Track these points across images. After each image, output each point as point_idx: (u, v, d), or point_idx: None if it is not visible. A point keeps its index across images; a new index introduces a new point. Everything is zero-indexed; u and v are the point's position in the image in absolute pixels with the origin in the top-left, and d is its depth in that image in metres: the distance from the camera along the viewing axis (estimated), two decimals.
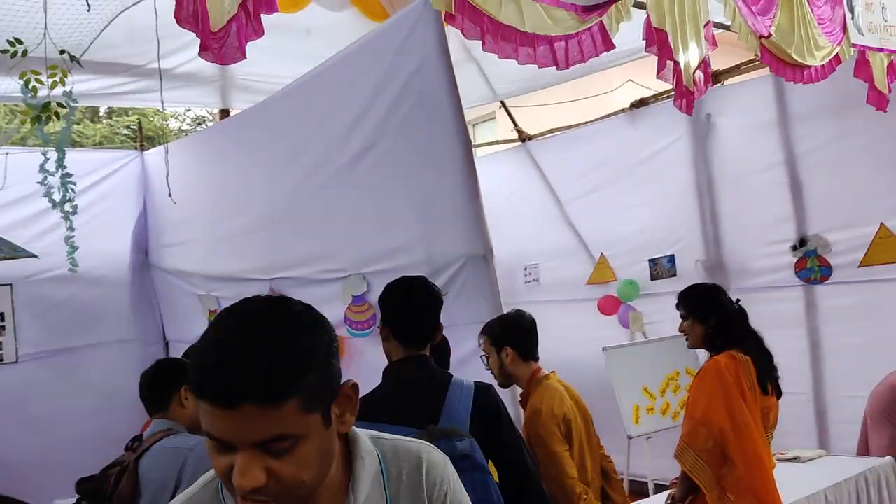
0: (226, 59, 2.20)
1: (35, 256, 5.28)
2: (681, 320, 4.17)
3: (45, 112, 3.55)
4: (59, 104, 3.61)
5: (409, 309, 2.66)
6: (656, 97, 7.54)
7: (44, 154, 3.84)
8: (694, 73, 3.49)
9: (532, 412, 3.84)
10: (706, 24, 3.62)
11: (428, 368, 2.59)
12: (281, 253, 5.75)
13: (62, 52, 3.65)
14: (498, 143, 9.30)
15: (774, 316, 6.71)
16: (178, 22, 2.11)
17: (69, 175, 3.86)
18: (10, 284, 6.63)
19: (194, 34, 7.44)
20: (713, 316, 4.08)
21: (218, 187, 6.46)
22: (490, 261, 4.49)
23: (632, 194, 7.64)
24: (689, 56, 3.47)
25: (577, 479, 3.63)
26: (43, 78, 3.56)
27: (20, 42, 3.53)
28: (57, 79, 3.60)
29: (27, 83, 3.53)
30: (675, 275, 7.40)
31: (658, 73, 3.45)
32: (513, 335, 4.00)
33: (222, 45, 2.16)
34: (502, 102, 8.97)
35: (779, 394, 4.06)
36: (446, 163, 4.58)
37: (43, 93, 3.58)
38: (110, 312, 7.13)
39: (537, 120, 9.26)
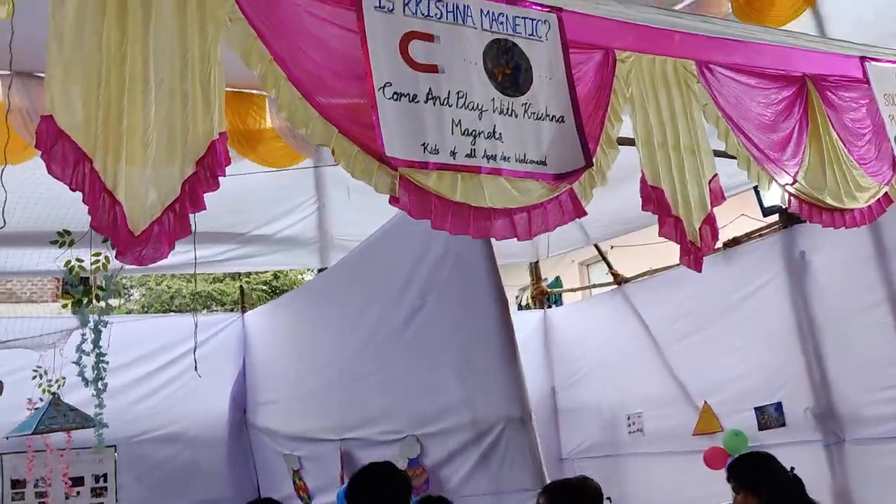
0: (145, 261, 2.31)
1: (106, 426, 5.57)
2: (733, 493, 3.84)
3: (86, 296, 3.85)
4: (100, 287, 3.91)
5: (372, 496, 2.64)
6: (748, 235, 7.24)
7: (82, 335, 4.12)
8: (700, 228, 3.34)
9: None
10: (712, 179, 3.49)
11: None
12: (349, 413, 5.83)
13: (105, 239, 3.97)
14: (594, 286, 9.14)
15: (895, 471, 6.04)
16: (94, 229, 2.26)
17: (103, 355, 4.11)
18: (115, 445, 7.00)
19: (295, 203, 7.92)
20: (766, 487, 3.71)
21: (300, 348, 6.70)
22: (529, 423, 4.33)
23: (731, 337, 7.22)
24: (693, 212, 3.34)
25: None
26: (86, 264, 3.89)
27: (68, 233, 3.90)
28: (100, 264, 3.92)
29: (70, 270, 3.87)
30: (784, 424, 6.82)
31: (660, 230, 3.33)
32: (573, 501, 3.65)
33: (143, 248, 2.28)
34: (596, 246, 8.90)
35: None
36: (485, 323, 4.58)
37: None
38: (208, 471, 7.37)
39: (639, 260, 9.08)
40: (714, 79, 3.60)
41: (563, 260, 13.06)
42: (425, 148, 2.79)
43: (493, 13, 3.09)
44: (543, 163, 3.04)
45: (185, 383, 7.50)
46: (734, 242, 7.34)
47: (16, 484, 6.56)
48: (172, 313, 15.12)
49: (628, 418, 8.32)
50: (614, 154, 3.22)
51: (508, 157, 2.96)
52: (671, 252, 8.13)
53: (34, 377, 5.56)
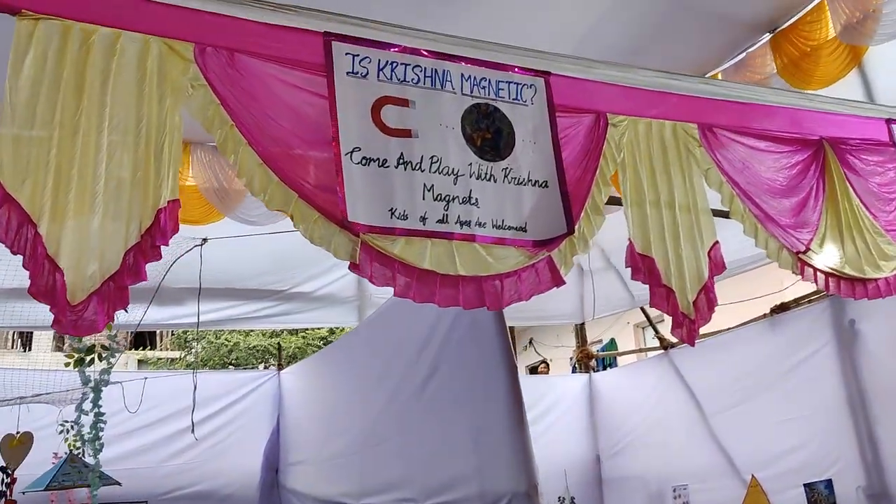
0: (81, 331, 2.28)
1: (118, 484, 5.59)
2: None
3: (88, 354, 3.88)
4: (104, 346, 3.94)
5: None
6: (797, 302, 6.92)
7: (83, 394, 4.14)
8: (695, 299, 3.17)
9: None
10: (712, 247, 3.32)
11: None
12: (368, 477, 5.72)
13: None
14: (641, 350, 8.86)
15: None
16: (32, 295, 2.24)
17: (102, 415, 4.11)
18: (146, 501, 7.02)
19: (334, 261, 7.99)
20: None
21: (326, 409, 6.65)
22: (534, 497, 4.12)
23: (780, 408, 6.86)
24: (687, 282, 3.17)
25: None
26: None
27: None
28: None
29: None
30: (834, 503, 6.41)
31: (650, 300, 3.17)
32: None
33: (79, 318, 2.26)
34: (643, 309, 8.66)
35: None
36: (494, 391, 4.44)
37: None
38: None
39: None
40: (718, 142, 3.45)
41: (619, 321, 12.73)
42: (393, 213, 2.73)
43: (474, 77, 3.04)
44: (523, 229, 2.94)
45: (219, 440, 7.53)
46: (782, 308, 7.03)
47: None
48: (231, 367, 15.33)
49: (674, 490, 7.95)
50: (600, 221, 3.09)
51: (484, 223, 2.88)
52: (724, 316, 7.86)
53: (60, 432, 5.63)
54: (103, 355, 4.02)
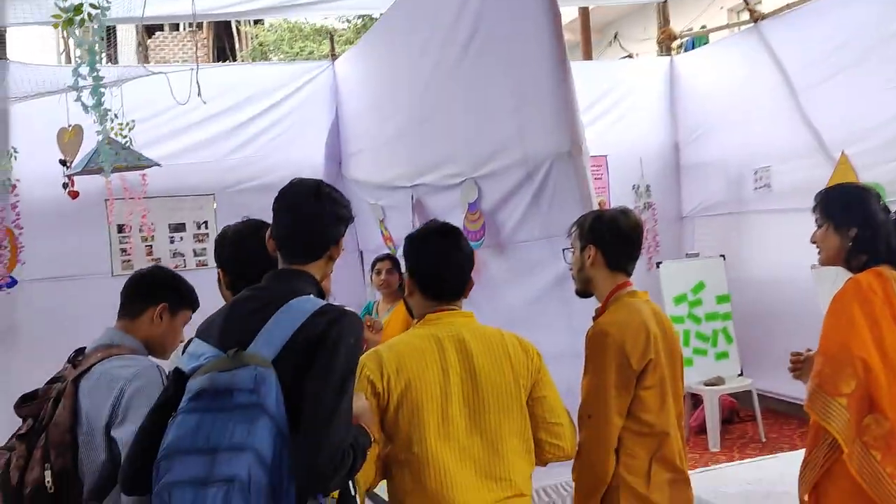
0: None
1: (158, 165, 5.53)
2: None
3: (77, 14, 3.52)
4: (92, 5, 3.57)
5: (293, 217, 2.21)
6: None
7: (78, 58, 3.85)
8: None
9: (597, 332, 2.97)
10: None
11: (286, 284, 2.15)
12: (419, 158, 5.52)
13: None
14: (728, 26, 8.02)
15: None
16: None
17: (101, 78, 3.80)
18: (213, 194, 7.12)
19: None
20: (855, 224, 3.01)
21: (377, 95, 6.35)
22: (577, 157, 3.76)
23: (878, 78, 6.14)
24: None
25: (618, 427, 2.85)
26: None
27: None
28: None
29: None
30: None
31: None
32: (602, 234, 2.90)
33: None
34: None
35: None
36: (536, 48, 3.95)
37: None
38: None
39: None
40: None
41: (711, 6, 11.56)
42: None
43: None
44: None
45: (280, 133, 7.41)
46: None
47: (121, 229, 6.85)
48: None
49: (755, 173, 7.54)
50: None
51: None
52: None
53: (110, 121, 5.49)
54: (93, 16, 3.62)
